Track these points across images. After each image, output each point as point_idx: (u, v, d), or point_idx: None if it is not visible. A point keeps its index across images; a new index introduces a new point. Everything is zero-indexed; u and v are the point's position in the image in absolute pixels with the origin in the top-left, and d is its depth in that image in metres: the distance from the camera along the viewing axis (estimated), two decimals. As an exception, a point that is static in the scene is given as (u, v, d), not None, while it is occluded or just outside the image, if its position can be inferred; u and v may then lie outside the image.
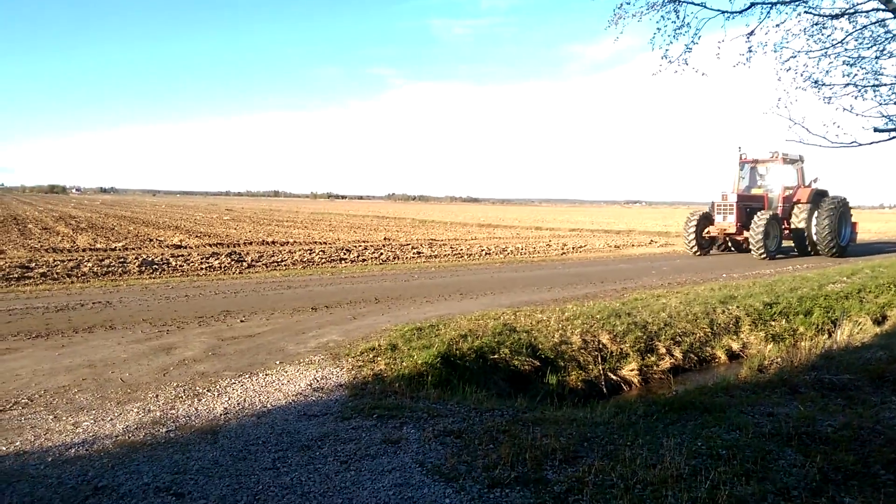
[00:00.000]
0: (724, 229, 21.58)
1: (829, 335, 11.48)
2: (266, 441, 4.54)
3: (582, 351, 9.11)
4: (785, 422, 4.73)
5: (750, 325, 11.43)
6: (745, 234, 20.83)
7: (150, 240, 25.78)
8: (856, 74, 5.77)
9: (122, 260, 17.49)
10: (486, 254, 23.09)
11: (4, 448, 4.30)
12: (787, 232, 22.16)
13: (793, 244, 22.87)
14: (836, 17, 5.63)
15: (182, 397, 5.49)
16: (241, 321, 8.65)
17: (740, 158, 23.34)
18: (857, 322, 12.04)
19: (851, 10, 5.57)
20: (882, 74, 5.68)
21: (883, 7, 5.19)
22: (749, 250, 20.91)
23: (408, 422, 4.95)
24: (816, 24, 5.81)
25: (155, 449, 4.34)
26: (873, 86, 5.66)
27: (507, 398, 6.55)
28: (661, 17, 6.35)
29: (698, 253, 21.82)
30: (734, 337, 11.11)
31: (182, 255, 19.52)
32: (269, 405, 5.38)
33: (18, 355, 6.61)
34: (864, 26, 5.65)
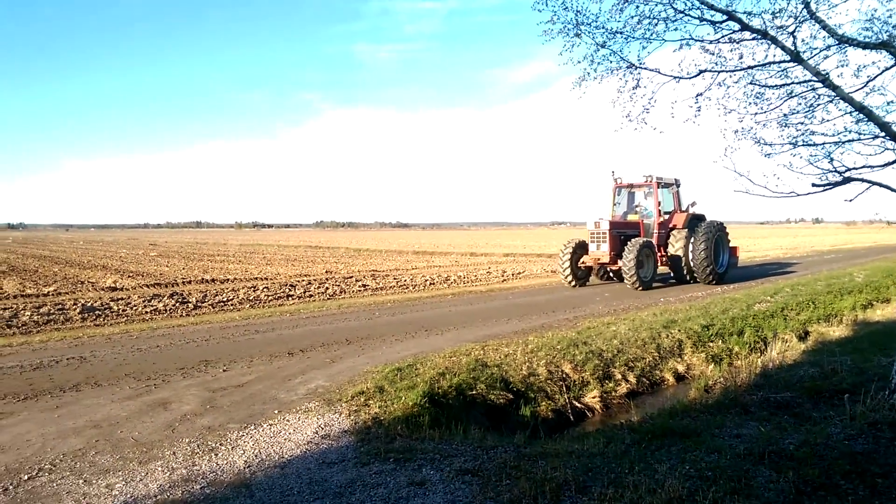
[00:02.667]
0: (598, 258, 20.32)
1: (761, 353, 12.58)
2: (300, 491, 4.89)
3: (548, 381, 9.75)
4: (753, 442, 5.46)
5: (691, 348, 12.39)
6: (620, 263, 19.54)
7: (81, 282, 24.94)
8: (791, 134, 6.72)
9: (59, 306, 17.02)
10: (431, 284, 23.61)
11: (53, 516, 4.48)
12: (664, 259, 21.17)
13: (670, 272, 21.85)
14: (777, 87, 6.57)
15: (199, 453, 5.74)
16: (224, 370, 8.84)
17: (615, 183, 22.13)
18: (785, 340, 13.24)
19: (789, 83, 6.52)
20: (814, 134, 6.64)
21: (815, 79, 6.14)
22: None
23: (424, 464, 5.40)
24: (757, 93, 6.75)
25: (197, 506, 4.62)
26: (806, 144, 6.61)
27: (496, 433, 7.07)
28: (621, 78, 7.17)
29: (574, 284, 20.49)
30: (679, 359, 12.03)
31: (122, 299, 19.09)
32: (285, 455, 5.71)
33: (17, 419, 6.64)
34: (799, 94, 6.61)
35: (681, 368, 11.81)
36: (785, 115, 6.73)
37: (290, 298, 19.44)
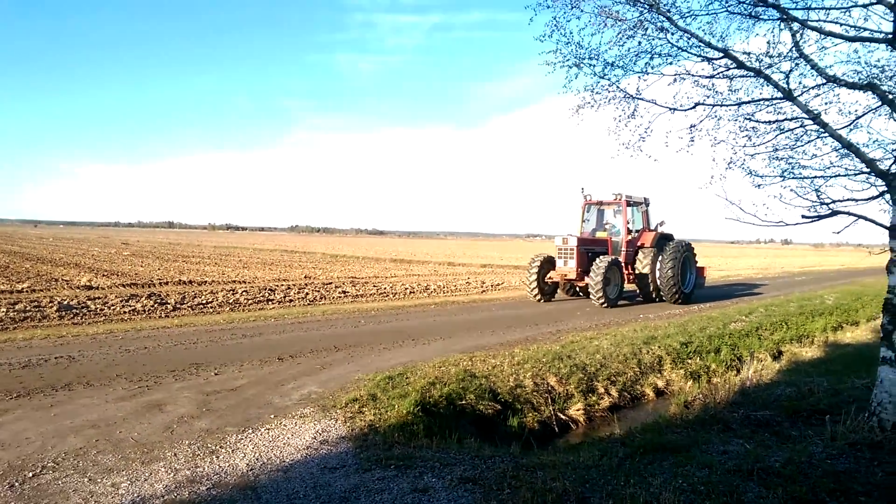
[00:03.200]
0: (565, 275, 20.36)
1: (737, 371, 12.94)
2: (306, 495, 4.98)
3: (534, 393, 9.93)
4: (741, 459, 5.69)
5: (671, 364, 12.69)
6: (587, 279, 19.54)
7: (55, 280, 24.55)
8: (781, 167, 7.04)
9: (35, 304, 16.78)
10: (411, 292, 23.71)
11: (63, 514, 4.53)
12: (631, 277, 21.35)
13: (636, 289, 22.08)
14: (769, 122, 6.88)
15: (200, 455, 5.79)
16: (216, 374, 8.86)
17: (585, 200, 22.25)
18: (760, 359, 13.61)
19: (781, 119, 6.84)
20: (803, 168, 6.97)
21: (805, 116, 6.46)
22: None
23: (425, 471, 5.53)
24: (749, 127, 7.05)
25: (207, 507, 4.70)
26: (794, 177, 6.92)
27: (488, 443, 7.21)
28: (617, 107, 7.45)
29: (540, 299, 20.56)
30: (659, 375, 12.32)
31: (99, 298, 18.85)
32: (286, 459, 5.79)
33: (13, 417, 6.62)
34: (790, 129, 6.93)
35: (661, 384, 12.09)
36: (775, 148, 7.05)
37: (270, 303, 19.41)
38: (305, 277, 29.55)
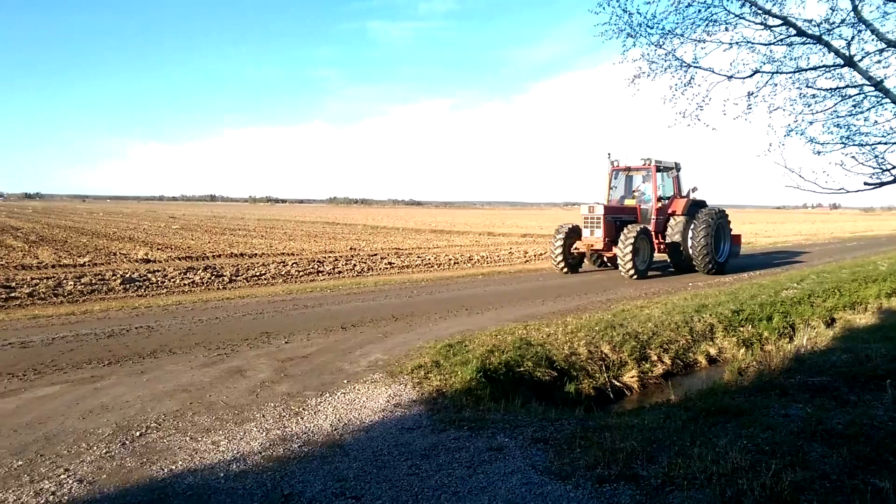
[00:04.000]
0: (592, 245, 19.44)
1: (790, 339, 12.95)
2: (389, 452, 5.37)
3: (589, 361, 10.18)
4: (803, 422, 5.88)
5: (723, 332, 12.76)
6: (615, 249, 18.70)
7: (113, 253, 25.56)
8: (841, 133, 7.05)
9: (100, 277, 17.57)
10: (455, 263, 24.04)
11: (174, 467, 5.00)
12: (662, 247, 20.34)
13: (668, 259, 21.13)
14: (829, 90, 6.90)
15: (286, 416, 6.23)
16: (286, 342, 9.34)
17: (612, 166, 21.11)
18: (813, 326, 13.59)
19: (842, 86, 6.85)
20: (864, 134, 6.97)
21: (866, 82, 6.46)
22: None
23: (497, 432, 5.86)
24: (810, 94, 7.07)
25: (301, 461, 5.11)
26: (858, 144, 6.94)
27: (550, 407, 7.53)
28: (672, 75, 7.53)
29: (566, 271, 19.69)
30: (711, 343, 12.42)
31: (158, 271, 19.63)
32: (365, 420, 6.19)
33: (110, 382, 7.17)
34: (850, 96, 6.94)
35: (713, 351, 12.20)
36: (835, 114, 7.06)
37: (320, 274, 19.93)
38: (351, 249, 30.12)
